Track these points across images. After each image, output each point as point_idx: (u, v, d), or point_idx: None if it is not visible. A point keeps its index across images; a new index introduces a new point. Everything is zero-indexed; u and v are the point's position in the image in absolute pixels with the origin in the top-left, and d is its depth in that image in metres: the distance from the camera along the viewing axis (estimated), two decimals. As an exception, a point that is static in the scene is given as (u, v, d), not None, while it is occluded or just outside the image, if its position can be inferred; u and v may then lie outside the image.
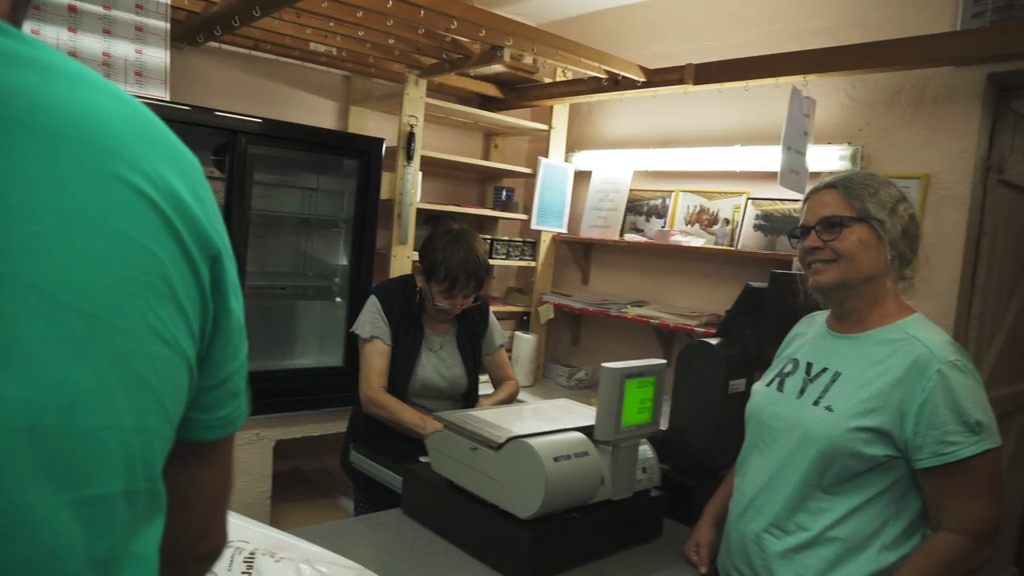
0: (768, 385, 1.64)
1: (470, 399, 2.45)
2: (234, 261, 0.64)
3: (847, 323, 1.55)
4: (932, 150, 2.72)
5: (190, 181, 0.59)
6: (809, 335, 1.65)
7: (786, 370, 1.62)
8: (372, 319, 2.28)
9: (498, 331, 2.52)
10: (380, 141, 3.29)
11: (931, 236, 2.67)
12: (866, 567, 1.41)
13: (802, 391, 1.54)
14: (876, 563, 1.40)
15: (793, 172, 2.76)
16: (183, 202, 0.56)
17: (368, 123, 3.70)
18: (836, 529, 1.43)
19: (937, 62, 2.57)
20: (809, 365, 1.57)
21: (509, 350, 3.81)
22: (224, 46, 3.21)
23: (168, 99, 2.74)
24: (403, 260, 3.38)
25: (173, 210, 0.55)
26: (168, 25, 2.72)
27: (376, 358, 2.26)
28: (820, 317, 1.67)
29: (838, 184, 1.52)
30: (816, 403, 1.48)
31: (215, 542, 0.76)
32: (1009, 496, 3.20)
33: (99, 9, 2.58)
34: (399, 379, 2.28)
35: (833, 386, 1.48)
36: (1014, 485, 3.29)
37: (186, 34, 2.92)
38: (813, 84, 2.83)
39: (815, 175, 2.77)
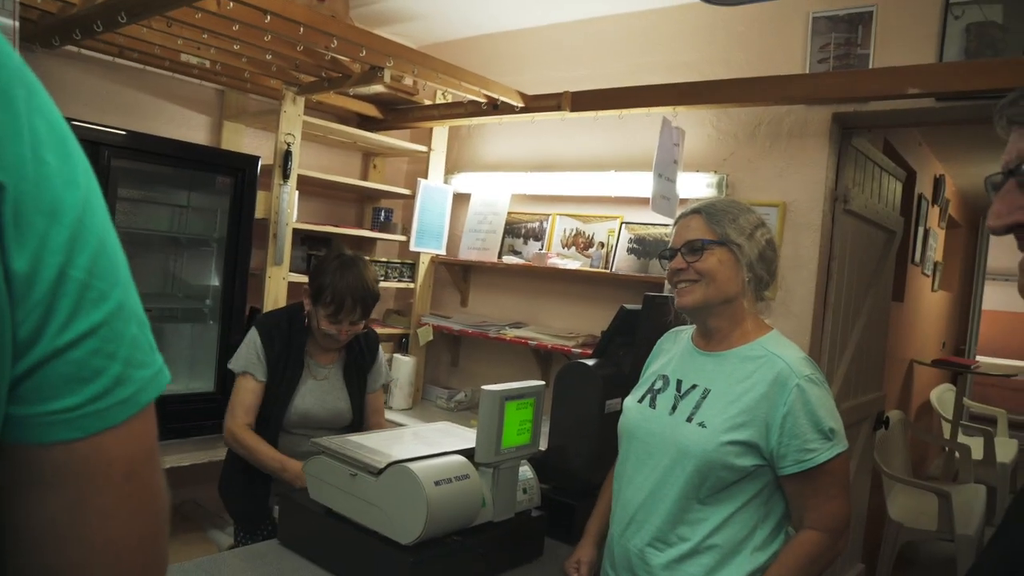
0: (640, 402, 1.70)
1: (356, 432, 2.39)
2: (49, 192, 0.46)
3: (712, 341, 1.64)
4: (788, 180, 2.93)
5: None
6: (675, 352, 1.74)
7: (656, 387, 1.69)
8: (247, 354, 2.20)
9: (384, 370, 2.47)
10: (255, 159, 3.19)
11: (788, 260, 2.87)
12: (742, 569, 1.51)
13: (674, 408, 1.61)
14: (750, 564, 1.51)
15: (664, 198, 2.89)
16: None
17: (243, 139, 3.58)
18: (713, 537, 1.52)
19: (789, 100, 2.78)
20: (679, 382, 1.65)
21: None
22: (85, 51, 3.03)
23: (19, 107, 2.55)
24: (278, 281, 3.28)
25: None
26: (16, 23, 2.53)
27: (244, 394, 2.18)
28: (685, 334, 1.75)
29: (702, 210, 1.63)
30: (689, 419, 1.56)
31: None
32: (858, 498, 3.45)
33: (-63, 6, 2.37)
34: (276, 409, 2.20)
35: (704, 403, 1.57)
36: (862, 488, 3.56)
37: (39, 35, 2.73)
38: (682, 115, 2.99)
39: (685, 201, 2.92)
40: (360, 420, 2.37)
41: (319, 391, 2.27)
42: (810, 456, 1.47)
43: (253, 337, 2.22)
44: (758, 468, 1.51)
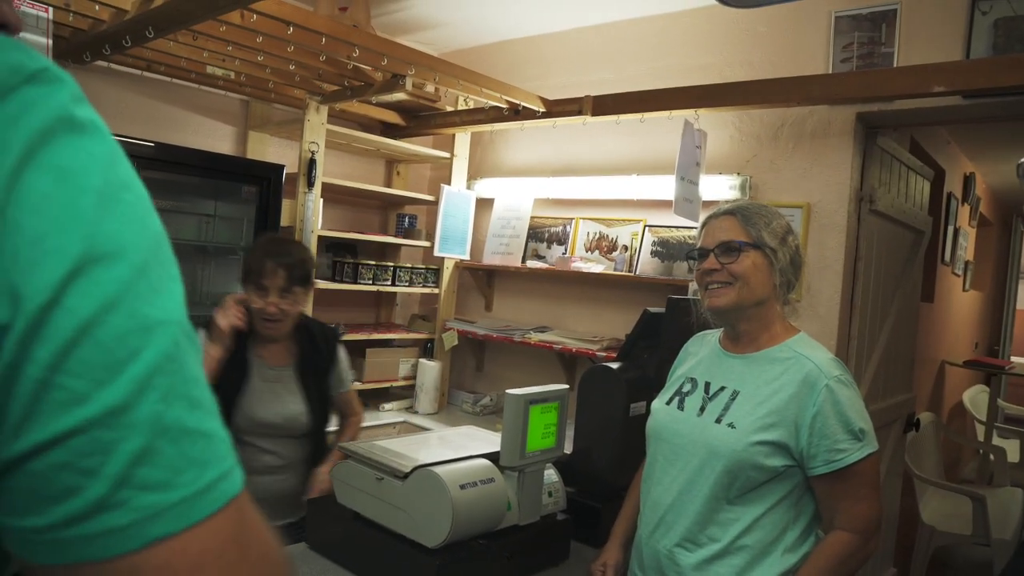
0: (668, 404, 1.70)
1: (317, 440, 2.22)
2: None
3: (740, 344, 1.64)
4: (812, 181, 2.91)
5: None
6: (703, 354, 1.73)
7: (684, 389, 1.69)
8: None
9: (348, 369, 2.34)
10: (280, 167, 3.23)
11: (814, 261, 2.85)
12: (772, 570, 1.50)
13: (702, 409, 1.61)
14: (781, 566, 1.50)
15: (687, 201, 2.88)
16: None
17: (268, 149, 3.63)
18: (744, 538, 1.51)
19: (812, 101, 2.76)
20: (707, 384, 1.64)
21: (412, 377, 3.79)
22: (114, 66, 3.09)
23: (52, 121, 2.60)
24: (304, 288, 3.32)
25: None
26: (50, 41, 2.59)
27: None
28: (712, 337, 1.75)
29: (736, 211, 1.62)
30: (718, 421, 1.56)
31: None
32: (889, 501, 3.41)
33: (-26, 25, 2.43)
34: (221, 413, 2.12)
35: (733, 404, 1.57)
36: (893, 490, 3.51)
37: (71, 52, 2.79)
38: (704, 117, 2.98)
39: (708, 204, 2.90)
40: (320, 426, 2.23)
41: (269, 393, 2.13)
42: (840, 456, 1.47)
43: (200, 337, 2.09)
44: (788, 469, 1.51)
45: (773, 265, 1.57)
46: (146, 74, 3.20)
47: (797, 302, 1.70)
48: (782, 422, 1.49)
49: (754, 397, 1.55)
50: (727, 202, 1.69)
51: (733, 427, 1.53)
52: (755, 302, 1.58)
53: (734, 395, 1.58)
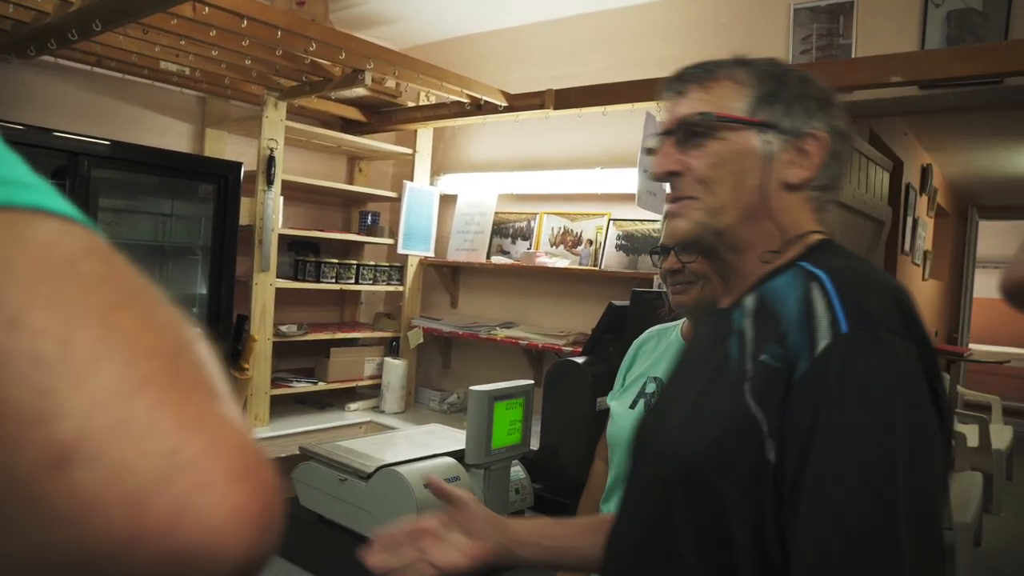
0: (632, 408, 1.64)
1: None
2: None
3: None
4: (773, 173, 2.92)
5: None
6: (661, 351, 1.67)
7: (648, 389, 1.63)
8: None
9: None
10: (238, 165, 3.16)
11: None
12: None
13: None
14: None
15: (650, 194, 2.88)
16: None
17: (225, 146, 3.56)
18: None
19: (774, 91, 2.77)
20: None
21: (378, 376, 3.74)
22: (62, 61, 3.00)
23: (-4, 119, 2.51)
24: (266, 287, 3.26)
25: None
26: (-9, 36, 2.51)
27: None
28: (672, 332, 1.69)
29: None
30: None
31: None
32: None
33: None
34: None
35: None
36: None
37: (13, 46, 2.70)
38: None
39: (670, 197, 2.90)
40: None
41: None
42: None
43: None
44: None
45: None
46: (96, 70, 3.11)
47: None
48: None
49: None
50: None
51: None
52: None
53: None
